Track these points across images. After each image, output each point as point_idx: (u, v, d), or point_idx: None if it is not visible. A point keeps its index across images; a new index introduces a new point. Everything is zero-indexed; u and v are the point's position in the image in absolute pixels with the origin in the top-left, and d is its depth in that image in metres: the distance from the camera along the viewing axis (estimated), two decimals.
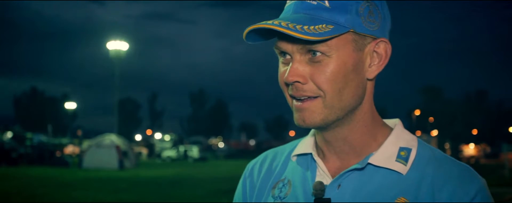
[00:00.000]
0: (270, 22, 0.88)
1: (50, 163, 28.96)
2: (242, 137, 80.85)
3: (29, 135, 45.13)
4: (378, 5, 0.93)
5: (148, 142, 59.72)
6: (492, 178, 16.93)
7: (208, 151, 56.69)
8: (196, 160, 42.21)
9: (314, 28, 0.86)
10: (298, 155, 1.04)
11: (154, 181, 18.56)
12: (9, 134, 44.02)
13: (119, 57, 39.13)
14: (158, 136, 66.82)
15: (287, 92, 0.95)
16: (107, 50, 39.43)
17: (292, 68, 0.90)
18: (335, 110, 0.91)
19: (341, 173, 0.94)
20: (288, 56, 0.93)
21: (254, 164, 1.12)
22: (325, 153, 0.99)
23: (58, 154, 35.16)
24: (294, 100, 0.93)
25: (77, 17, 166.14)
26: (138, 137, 78.10)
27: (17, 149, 32.21)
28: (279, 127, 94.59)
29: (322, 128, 0.95)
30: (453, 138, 45.03)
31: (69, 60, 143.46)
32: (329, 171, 0.97)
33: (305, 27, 0.86)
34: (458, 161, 0.95)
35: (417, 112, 65.37)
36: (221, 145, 65.77)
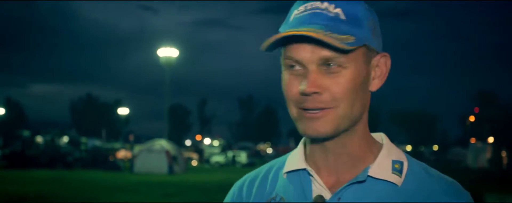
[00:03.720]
0: (299, 29, 0.89)
1: (103, 167, 29.82)
2: (291, 143, 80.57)
3: (84, 139, 46.65)
4: (377, 22, 0.97)
5: (197, 147, 60.52)
6: None
7: (256, 156, 56.80)
8: (244, 166, 42.38)
9: (341, 38, 0.87)
10: (290, 172, 1.01)
11: (202, 186, 18.78)
12: (65, 138, 45.68)
13: (169, 64, 39.91)
14: (207, 141, 67.61)
15: (294, 104, 0.94)
16: (158, 57, 40.31)
17: (312, 79, 0.90)
18: (346, 120, 0.93)
19: (344, 185, 0.95)
20: (297, 68, 0.92)
21: (241, 185, 1.10)
22: (320, 166, 0.99)
23: (111, 158, 36.16)
24: (303, 111, 0.93)
25: (131, 25, 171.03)
26: (188, 142, 79.34)
27: (72, 153, 33.40)
28: None
29: (328, 138, 0.95)
30: (510, 146, 43.14)
31: (122, 67, 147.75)
32: (325, 184, 0.97)
33: (333, 35, 0.87)
34: (446, 175, 0.99)
35: (472, 118, 63.20)
36: (269, 150, 65.79)
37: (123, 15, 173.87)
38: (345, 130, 0.94)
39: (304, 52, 0.90)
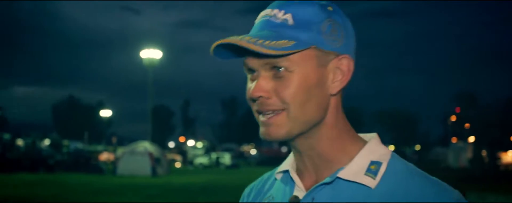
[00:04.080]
0: (232, 37, 0.92)
1: (86, 169, 29.53)
2: (274, 144, 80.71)
3: (66, 142, 46.18)
4: (340, 23, 0.97)
5: (181, 149, 60.27)
6: None
7: (240, 158, 56.80)
8: (228, 167, 42.32)
9: (276, 43, 0.90)
10: (281, 172, 1.08)
11: (186, 188, 18.73)
12: (46, 141, 45.15)
13: (152, 65, 39.69)
14: (190, 143, 67.39)
15: (252, 108, 0.98)
16: (141, 58, 40.05)
17: (257, 84, 0.94)
18: (299, 123, 0.94)
19: (313, 187, 0.97)
20: (255, 73, 0.96)
21: (249, 187, 1.17)
22: (301, 168, 1.02)
23: (93, 161, 35.83)
24: (260, 115, 0.97)
25: (113, 26, 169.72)
26: (171, 144, 78.95)
27: (54, 156, 33.01)
28: None
29: (289, 141, 0.99)
30: (490, 145, 43.74)
31: (105, 68, 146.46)
32: (304, 185, 1.00)
33: (267, 42, 0.90)
34: (431, 176, 0.96)
35: (453, 118, 63.98)
36: (253, 152, 65.80)
37: (105, 16, 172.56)
38: (304, 133, 0.96)
39: (252, 58, 0.95)
